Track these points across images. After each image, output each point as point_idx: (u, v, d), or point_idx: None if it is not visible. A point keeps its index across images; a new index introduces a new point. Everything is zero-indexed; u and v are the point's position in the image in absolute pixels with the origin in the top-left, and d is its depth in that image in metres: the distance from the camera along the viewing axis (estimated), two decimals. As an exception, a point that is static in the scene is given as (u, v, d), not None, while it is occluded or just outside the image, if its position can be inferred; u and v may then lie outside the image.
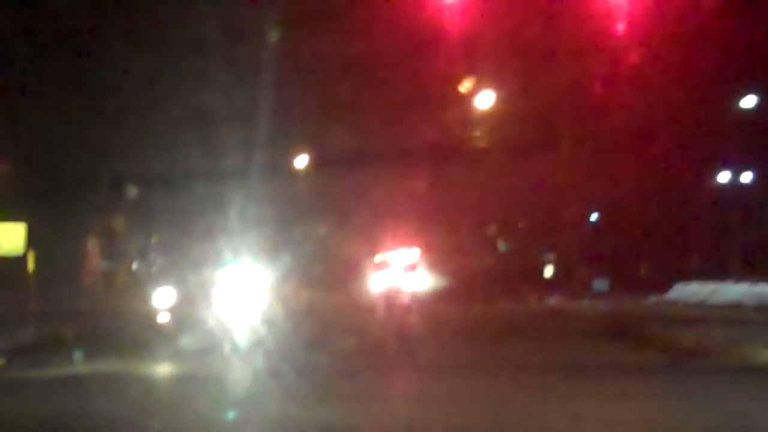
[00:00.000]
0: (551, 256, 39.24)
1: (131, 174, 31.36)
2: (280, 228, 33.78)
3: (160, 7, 29.69)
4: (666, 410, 11.69)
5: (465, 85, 33.38)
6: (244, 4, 29.92)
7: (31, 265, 23.64)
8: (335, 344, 19.00)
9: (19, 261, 24.14)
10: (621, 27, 28.63)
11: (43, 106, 30.05)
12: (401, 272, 36.86)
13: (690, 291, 32.92)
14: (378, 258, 39.42)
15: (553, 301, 33.77)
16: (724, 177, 39.43)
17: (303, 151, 37.51)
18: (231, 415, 11.66)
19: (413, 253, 39.27)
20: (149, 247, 31.22)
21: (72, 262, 30.84)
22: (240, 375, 15.31)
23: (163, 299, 24.90)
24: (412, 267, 38.07)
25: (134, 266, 31.00)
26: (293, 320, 23.66)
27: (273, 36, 29.63)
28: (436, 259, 37.90)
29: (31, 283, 23.44)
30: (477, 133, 35.81)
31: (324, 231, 36.97)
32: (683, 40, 29.39)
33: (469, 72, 33.29)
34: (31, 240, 23.94)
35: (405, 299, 29.97)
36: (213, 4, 29.66)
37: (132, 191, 30.75)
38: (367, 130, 34.17)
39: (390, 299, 29.70)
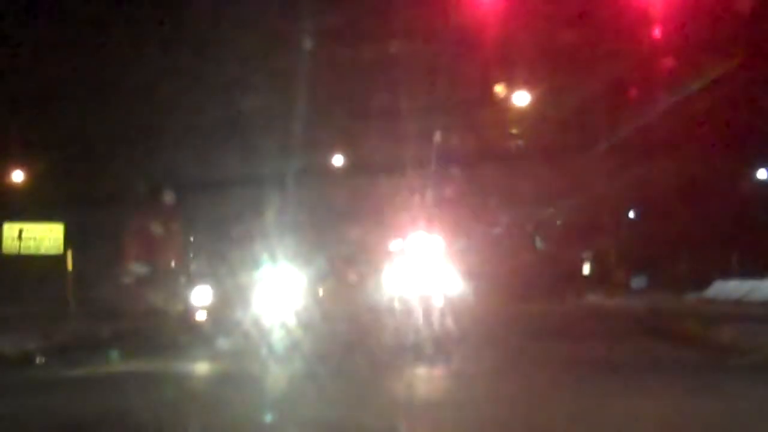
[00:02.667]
0: (589, 254, 39.06)
1: (169, 175, 31.52)
2: (316, 230, 33.85)
3: (198, 14, 29.86)
4: (704, 408, 11.59)
5: (500, 88, 33.30)
6: (280, 9, 30.03)
7: (69, 264, 23.84)
8: (372, 346, 18.89)
9: (58, 260, 24.37)
10: (656, 31, 28.50)
11: (83, 110, 30.30)
12: (423, 262, 36.22)
13: (729, 288, 32.65)
14: (395, 245, 38.33)
15: (592, 299, 33.62)
16: (763, 174, 39.11)
17: (340, 155, 37.57)
18: (268, 416, 11.64)
19: (437, 241, 38.51)
20: (187, 247, 31.35)
21: (110, 262, 31.05)
22: (277, 376, 15.31)
23: (200, 298, 24.99)
24: (436, 258, 37.40)
25: (172, 265, 31.14)
26: (329, 321, 23.66)
27: (309, 41, 29.69)
28: (472, 258, 37.73)
29: (69, 282, 23.64)
30: (514, 131, 35.73)
31: (360, 233, 36.96)
32: (719, 43, 29.23)
33: (504, 73, 33.22)
34: (70, 240, 24.16)
35: (433, 297, 29.74)
36: (249, 9, 29.80)
37: (170, 193, 30.90)
38: (404, 133, 34.22)
39: (414, 299, 29.53)
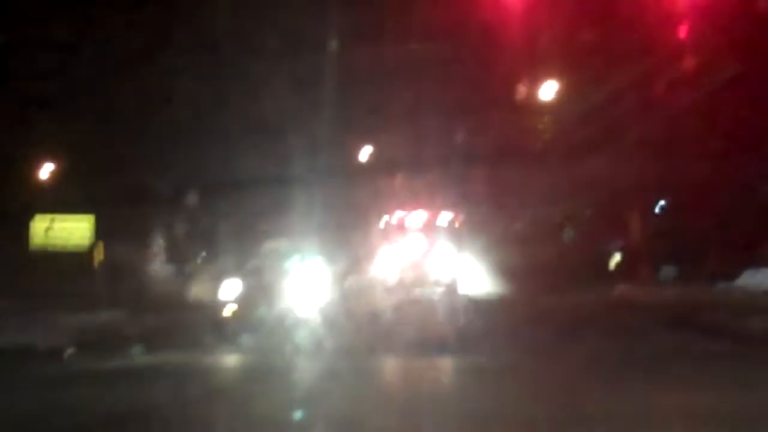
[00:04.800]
0: (618, 245, 38.84)
1: (197, 171, 31.65)
2: (342, 227, 33.83)
3: (222, 15, 29.96)
4: (735, 400, 11.50)
5: (525, 83, 33.26)
6: (303, 9, 30.08)
7: (98, 257, 23.96)
8: (398, 340, 18.77)
9: (86, 253, 24.50)
10: (681, 28, 28.40)
11: (112, 106, 30.49)
12: (450, 257, 35.46)
13: (760, 278, 32.35)
14: (420, 241, 37.62)
15: (620, 290, 33.44)
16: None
17: (366, 152, 37.68)
18: (295, 412, 11.62)
19: (463, 236, 37.89)
20: (216, 241, 31.40)
21: (139, 256, 31.21)
22: (304, 371, 15.32)
23: (228, 292, 25.01)
24: (462, 252, 36.78)
25: (200, 259, 31.22)
26: (356, 315, 23.61)
27: (335, 41, 29.74)
28: (499, 251, 37.56)
29: (98, 276, 23.76)
30: (540, 126, 35.65)
31: (384, 230, 36.84)
32: (744, 42, 29.10)
33: (530, 68, 33.17)
34: (99, 233, 24.29)
35: (460, 291, 29.49)
36: (272, 9, 29.87)
37: (198, 188, 31.05)
38: (430, 131, 34.23)
39: (440, 293, 29.24)
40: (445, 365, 15.68)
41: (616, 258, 38.53)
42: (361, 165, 37.58)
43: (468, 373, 14.88)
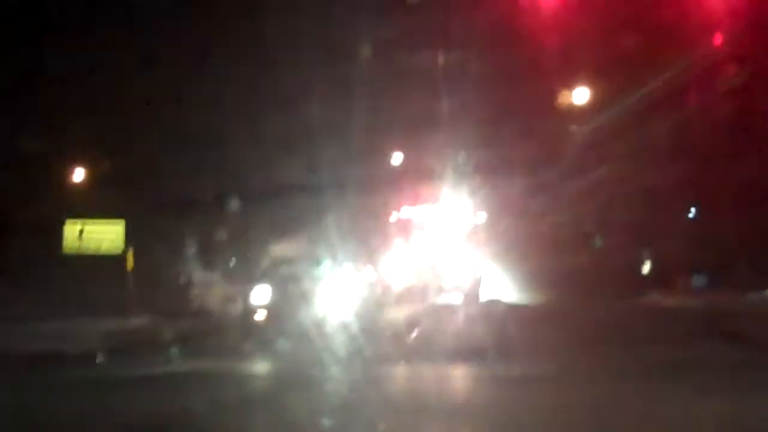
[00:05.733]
0: (649, 253, 38.65)
1: (229, 177, 31.81)
2: (374, 233, 33.89)
3: (261, 25, 30.13)
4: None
5: (560, 90, 33.26)
6: (339, 19, 30.27)
7: (130, 263, 24.06)
8: (431, 349, 18.66)
9: (117, 259, 24.61)
10: (717, 36, 28.34)
11: (145, 112, 30.68)
12: (482, 265, 34.91)
13: (791, 288, 32.12)
14: (453, 247, 37.19)
15: (651, 298, 33.28)
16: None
17: (398, 159, 37.90)
18: (326, 420, 11.59)
19: (496, 244, 37.55)
20: (247, 247, 31.47)
21: (170, 262, 31.33)
22: (336, 377, 15.27)
23: (260, 297, 25.06)
24: (495, 261, 36.41)
25: (231, 266, 31.31)
26: (388, 322, 23.61)
27: (369, 49, 29.93)
28: (532, 259, 37.44)
29: (129, 281, 23.86)
30: (574, 131, 35.63)
31: (418, 237, 36.85)
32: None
33: (564, 75, 33.17)
34: (130, 239, 24.40)
35: (493, 299, 29.36)
36: (309, 19, 30.05)
37: (230, 194, 31.18)
38: (463, 138, 34.35)
39: (473, 301, 28.98)
40: (483, 373, 15.52)
41: (648, 266, 38.34)
42: (393, 170, 37.70)
43: (507, 382, 14.59)
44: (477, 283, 32.18)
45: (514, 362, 16.49)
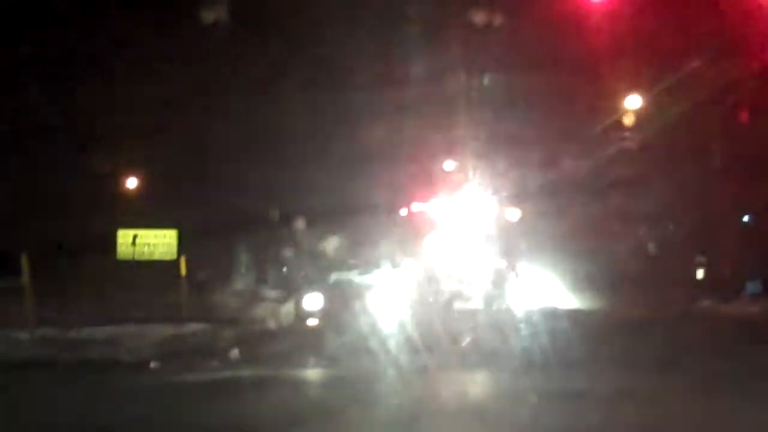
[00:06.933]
0: (703, 259, 38.32)
1: (279, 181, 31.99)
2: (424, 240, 33.89)
3: (328, 45, 30.51)
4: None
5: (616, 101, 33.27)
6: (405, 42, 30.61)
7: (183, 269, 24.23)
8: (490, 358, 18.16)
9: (170, 267, 24.79)
10: None
11: (200, 120, 31.03)
12: (537, 273, 34.45)
13: None
14: (510, 255, 36.79)
15: (705, 304, 32.98)
16: None
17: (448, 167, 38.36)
18: (383, 425, 11.54)
19: (550, 252, 37.14)
20: (299, 253, 31.58)
21: (223, 269, 31.55)
22: (390, 384, 15.22)
23: (312, 304, 25.13)
24: (550, 268, 35.85)
25: (284, 271, 31.44)
26: (442, 329, 23.42)
27: (435, 71, 30.29)
28: (587, 267, 37.10)
29: (183, 288, 24.02)
30: (627, 140, 35.54)
31: (476, 249, 36.65)
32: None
33: (617, 86, 33.14)
34: (182, 248, 24.59)
35: (551, 306, 28.99)
36: (376, 41, 30.37)
37: (280, 202, 31.41)
38: (522, 155, 34.54)
39: (530, 308, 28.63)
40: (552, 386, 14.69)
41: (701, 272, 38.01)
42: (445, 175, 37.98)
43: (580, 397, 14.00)
44: (522, 287, 31.96)
45: (582, 374, 15.77)
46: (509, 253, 33.28)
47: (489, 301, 29.56)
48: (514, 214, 37.90)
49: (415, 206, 39.21)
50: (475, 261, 32.66)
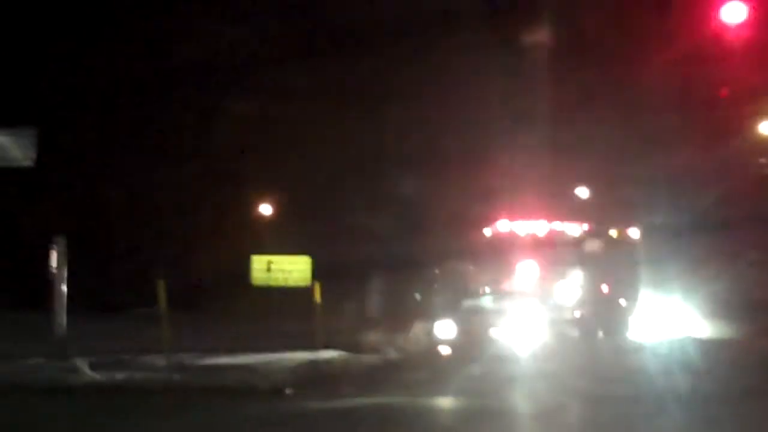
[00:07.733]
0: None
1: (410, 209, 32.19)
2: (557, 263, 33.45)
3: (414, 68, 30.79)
4: None
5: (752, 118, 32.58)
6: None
7: (317, 296, 24.39)
8: (624, 394, 17.37)
9: (304, 294, 24.98)
10: None
11: (330, 146, 31.41)
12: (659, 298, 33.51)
13: None
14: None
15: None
16: None
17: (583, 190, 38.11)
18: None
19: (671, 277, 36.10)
20: (432, 282, 31.48)
21: (355, 296, 31.72)
22: (525, 415, 14.93)
23: (444, 331, 25.02)
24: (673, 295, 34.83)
25: (417, 298, 31.37)
26: (578, 360, 22.95)
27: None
28: (703, 284, 36.06)
29: (317, 314, 24.16)
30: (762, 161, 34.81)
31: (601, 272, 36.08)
32: None
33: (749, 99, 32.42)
34: (316, 274, 24.78)
35: (678, 335, 28.12)
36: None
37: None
38: (639, 169, 34.07)
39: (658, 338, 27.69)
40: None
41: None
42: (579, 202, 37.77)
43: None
44: (636, 315, 31.15)
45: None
46: (620, 279, 32.43)
47: (594, 330, 29.01)
48: (635, 236, 37.06)
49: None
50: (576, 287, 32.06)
